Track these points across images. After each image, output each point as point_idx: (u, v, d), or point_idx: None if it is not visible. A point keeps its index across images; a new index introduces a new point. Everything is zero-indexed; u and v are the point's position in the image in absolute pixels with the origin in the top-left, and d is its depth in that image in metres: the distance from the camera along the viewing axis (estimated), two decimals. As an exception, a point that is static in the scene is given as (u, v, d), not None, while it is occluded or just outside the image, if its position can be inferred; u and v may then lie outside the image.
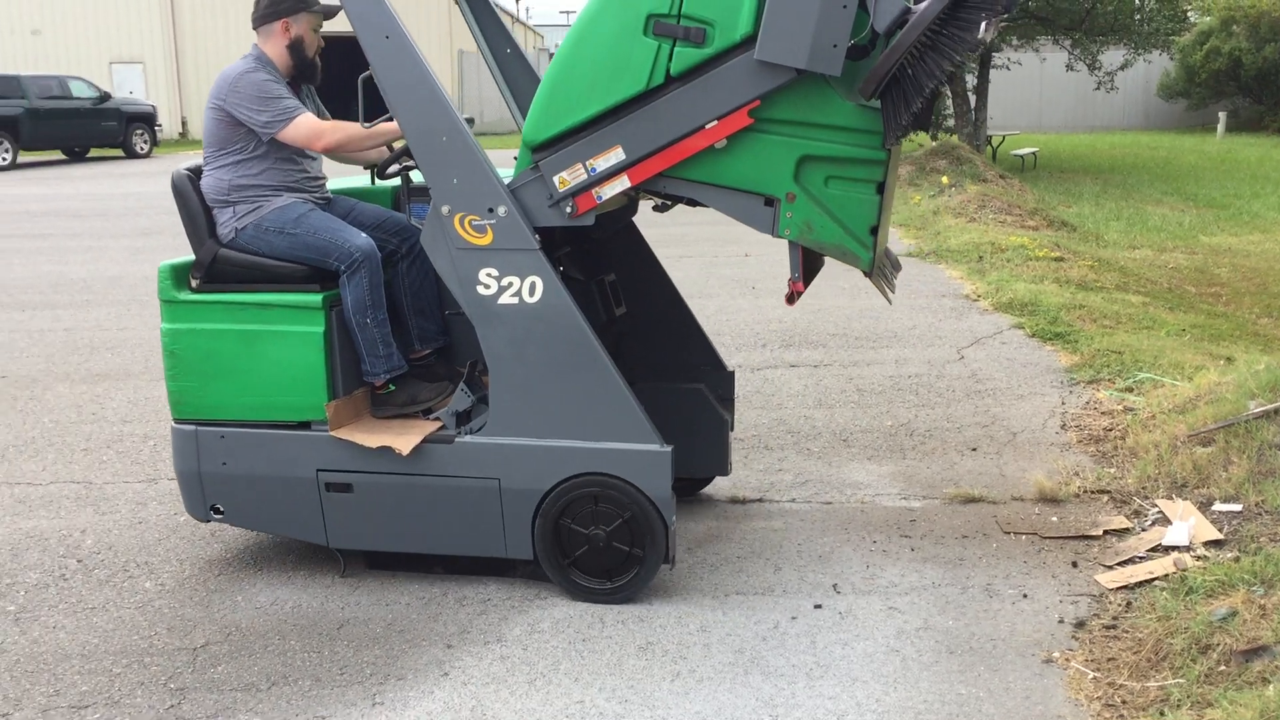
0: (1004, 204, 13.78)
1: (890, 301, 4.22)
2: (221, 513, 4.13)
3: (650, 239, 4.75)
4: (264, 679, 3.44)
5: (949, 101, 21.73)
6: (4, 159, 24.80)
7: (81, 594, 4.03)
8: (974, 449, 5.42)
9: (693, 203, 3.90)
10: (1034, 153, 22.16)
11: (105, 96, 26.85)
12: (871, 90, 3.44)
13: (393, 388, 4.21)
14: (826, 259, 3.94)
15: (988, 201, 13.77)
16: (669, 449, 3.77)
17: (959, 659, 3.48)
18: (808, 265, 3.87)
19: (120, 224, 14.68)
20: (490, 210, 3.75)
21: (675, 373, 4.72)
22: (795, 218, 3.65)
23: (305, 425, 4.02)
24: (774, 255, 11.47)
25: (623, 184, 3.70)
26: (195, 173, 4.23)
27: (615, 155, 3.66)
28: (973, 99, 22.10)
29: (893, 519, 4.59)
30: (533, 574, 4.05)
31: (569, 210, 3.75)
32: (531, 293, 3.78)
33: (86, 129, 26.10)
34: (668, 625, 3.73)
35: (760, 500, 4.84)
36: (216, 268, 4.07)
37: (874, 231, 3.68)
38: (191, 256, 4.15)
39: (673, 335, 4.77)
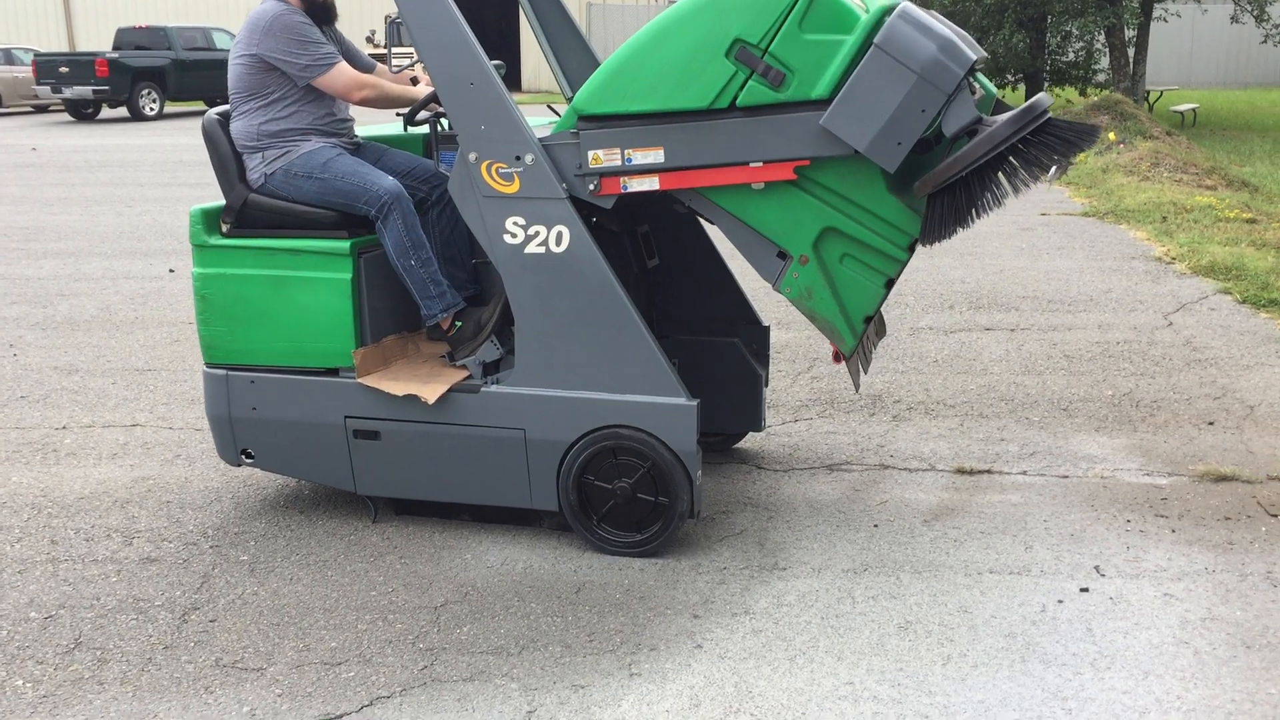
0: (1178, 162, 13.07)
1: (857, 389, 4.06)
2: (252, 457, 4.14)
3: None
4: (512, 643, 3.33)
5: (1106, 55, 20.76)
6: (152, 109, 25.49)
7: (311, 546, 3.99)
8: (1210, 422, 5.06)
9: (710, 220, 3.78)
10: (1194, 109, 21.04)
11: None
12: (927, 191, 3.35)
13: (459, 324, 4.11)
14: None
15: (1161, 159, 13.08)
16: (694, 402, 3.70)
17: (1259, 655, 3.19)
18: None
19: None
20: (517, 158, 3.67)
21: (709, 327, 4.61)
22: (800, 280, 3.62)
23: (334, 372, 3.99)
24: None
25: (651, 184, 3.64)
26: (225, 117, 4.16)
27: (654, 155, 3.59)
28: (1130, 51, 21.06)
29: (1141, 496, 4.29)
30: (559, 525, 3.99)
31: (592, 187, 3.68)
32: (558, 242, 3.70)
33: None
34: (923, 603, 3.52)
35: (989, 471, 4.58)
36: (246, 213, 4.04)
37: (867, 320, 3.67)
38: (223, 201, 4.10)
39: (707, 289, 4.65)
